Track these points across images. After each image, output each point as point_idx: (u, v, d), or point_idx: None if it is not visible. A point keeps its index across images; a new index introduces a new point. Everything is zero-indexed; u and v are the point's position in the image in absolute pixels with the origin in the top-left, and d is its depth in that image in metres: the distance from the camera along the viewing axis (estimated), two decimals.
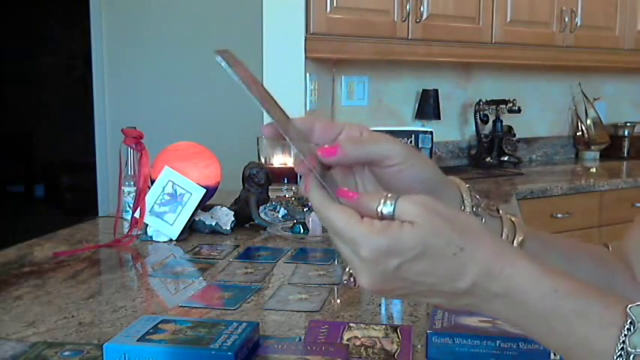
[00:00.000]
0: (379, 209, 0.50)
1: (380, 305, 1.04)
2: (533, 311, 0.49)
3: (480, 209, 0.60)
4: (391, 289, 0.50)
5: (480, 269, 0.48)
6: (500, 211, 0.61)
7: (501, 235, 0.60)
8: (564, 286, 0.49)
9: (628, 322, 0.47)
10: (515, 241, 0.60)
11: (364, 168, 0.56)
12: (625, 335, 0.46)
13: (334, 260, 1.29)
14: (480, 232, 0.50)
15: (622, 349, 0.46)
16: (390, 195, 0.50)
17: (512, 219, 0.61)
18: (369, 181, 0.57)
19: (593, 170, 3.24)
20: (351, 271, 0.52)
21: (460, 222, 0.50)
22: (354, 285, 0.53)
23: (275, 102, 0.55)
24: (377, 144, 0.55)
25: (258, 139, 1.92)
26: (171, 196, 1.51)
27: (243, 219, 1.61)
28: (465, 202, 0.60)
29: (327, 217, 0.50)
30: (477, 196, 0.61)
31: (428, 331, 0.79)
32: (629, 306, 0.47)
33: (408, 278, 0.49)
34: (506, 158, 3.11)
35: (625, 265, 0.70)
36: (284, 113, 0.55)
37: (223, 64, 0.52)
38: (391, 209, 0.49)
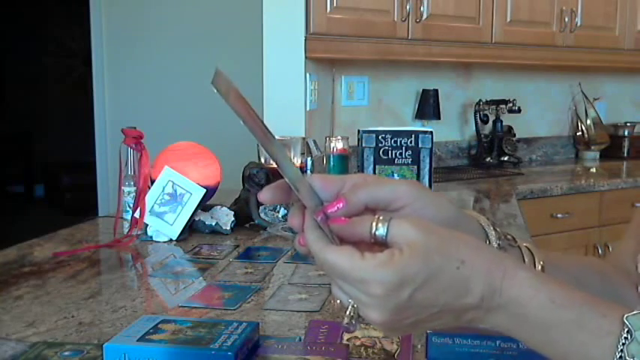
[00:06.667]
0: (372, 232, 0.49)
1: None
2: (531, 322, 0.49)
3: (502, 241, 0.59)
4: (404, 319, 0.49)
5: (483, 280, 0.48)
6: (518, 240, 0.61)
7: None
8: (562, 296, 0.49)
9: (625, 331, 0.47)
10: (536, 267, 0.59)
11: (373, 214, 0.54)
12: (623, 344, 0.47)
13: None
14: (476, 244, 0.50)
15: (620, 357, 0.47)
16: (381, 217, 0.50)
17: (528, 246, 0.61)
18: None
19: (593, 170, 3.24)
20: (351, 313, 0.51)
21: (455, 237, 0.49)
22: (357, 328, 0.52)
23: (272, 136, 0.53)
24: (381, 186, 0.53)
25: None
26: (171, 196, 1.51)
27: (243, 219, 1.61)
28: (489, 235, 0.58)
29: (327, 260, 0.49)
30: (498, 228, 0.60)
31: (428, 331, 0.79)
32: (626, 315, 0.47)
33: (419, 304, 0.48)
34: (506, 158, 3.11)
35: (625, 276, 0.69)
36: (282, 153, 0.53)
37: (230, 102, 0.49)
38: (384, 232, 0.49)
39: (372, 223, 0.49)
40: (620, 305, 0.49)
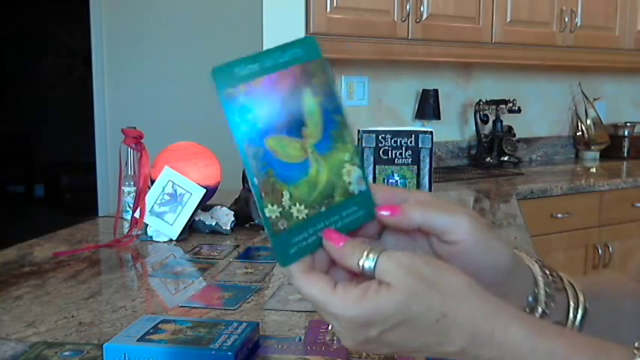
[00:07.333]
0: (361, 263, 0.47)
1: None
2: None
3: (550, 289, 0.55)
4: (377, 349, 0.48)
5: (466, 334, 0.46)
6: (564, 281, 0.57)
7: (567, 311, 0.56)
8: (561, 348, 0.46)
9: None
10: (579, 310, 0.56)
11: (425, 239, 0.51)
12: None
13: None
14: (466, 295, 0.46)
15: None
16: (372, 249, 0.47)
17: (573, 283, 0.57)
18: (424, 254, 0.52)
19: (593, 170, 3.24)
20: (333, 330, 0.50)
21: (444, 285, 0.46)
22: (339, 344, 0.51)
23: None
24: (441, 213, 0.49)
25: None
26: (171, 196, 1.51)
27: (243, 219, 1.61)
28: (538, 282, 0.55)
29: (299, 288, 0.48)
30: (548, 272, 0.56)
31: None
32: (636, 343, 0.46)
33: (392, 343, 0.47)
34: (506, 158, 3.11)
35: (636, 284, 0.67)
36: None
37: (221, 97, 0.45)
38: (372, 264, 0.47)
39: (363, 253, 0.47)
40: (626, 346, 0.47)
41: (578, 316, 0.56)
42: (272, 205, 0.47)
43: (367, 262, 0.47)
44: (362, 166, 0.50)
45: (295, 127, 0.47)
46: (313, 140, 0.48)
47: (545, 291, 0.54)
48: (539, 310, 0.54)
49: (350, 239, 0.49)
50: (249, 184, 0.47)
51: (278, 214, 0.47)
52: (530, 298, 0.54)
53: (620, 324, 0.59)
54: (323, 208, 0.49)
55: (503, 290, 0.51)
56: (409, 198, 0.51)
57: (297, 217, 0.48)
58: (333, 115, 0.49)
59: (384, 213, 0.50)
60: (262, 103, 0.46)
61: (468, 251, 0.49)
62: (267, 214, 0.47)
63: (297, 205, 0.48)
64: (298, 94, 0.47)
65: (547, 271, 0.56)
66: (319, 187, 0.48)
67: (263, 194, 0.46)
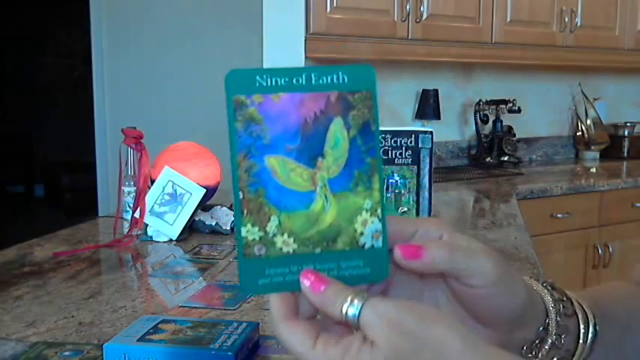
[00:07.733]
0: (344, 310, 0.42)
1: None
2: None
3: (561, 318, 0.54)
4: None
5: None
6: (574, 304, 0.56)
7: (578, 336, 0.55)
8: None
9: None
10: (589, 335, 0.55)
11: (441, 279, 0.48)
12: None
13: None
14: (460, 351, 0.42)
15: None
16: (357, 294, 0.43)
17: (584, 307, 0.56)
18: (442, 293, 0.49)
19: (593, 170, 3.24)
20: None
21: (431, 344, 0.42)
22: None
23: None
24: (468, 257, 0.46)
25: None
26: (171, 196, 1.51)
27: None
28: (550, 314, 0.53)
29: (278, 334, 0.44)
30: (558, 297, 0.55)
31: None
32: None
33: None
34: (506, 158, 3.11)
35: None
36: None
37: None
38: (356, 313, 0.42)
39: (347, 298, 0.42)
40: None
41: (589, 341, 0.55)
42: (252, 226, 0.42)
43: (351, 310, 0.42)
44: (384, 221, 0.44)
45: (309, 154, 0.43)
46: (328, 174, 0.43)
47: (557, 321, 0.53)
48: (549, 341, 0.53)
49: (333, 282, 0.43)
50: (233, 196, 0.42)
51: (257, 238, 0.42)
52: (541, 328, 0.53)
53: (627, 336, 0.58)
54: (318, 250, 0.43)
55: (516, 325, 0.51)
56: (419, 229, 0.47)
57: (281, 248, 0.43)
58: (363, 155, 0.44)
59: (404, 255, 0.44)
60: (275, 120, 0.42)
61: (488, 295, 0.47)
62: (243, 234, 0.42)
63: (285, 236, 0.43)
64: (325, 122, 0.43)
65: (557, 296, 0.54)
66: (320, 225, 0.43)
67: (245, 211, 0.42)
